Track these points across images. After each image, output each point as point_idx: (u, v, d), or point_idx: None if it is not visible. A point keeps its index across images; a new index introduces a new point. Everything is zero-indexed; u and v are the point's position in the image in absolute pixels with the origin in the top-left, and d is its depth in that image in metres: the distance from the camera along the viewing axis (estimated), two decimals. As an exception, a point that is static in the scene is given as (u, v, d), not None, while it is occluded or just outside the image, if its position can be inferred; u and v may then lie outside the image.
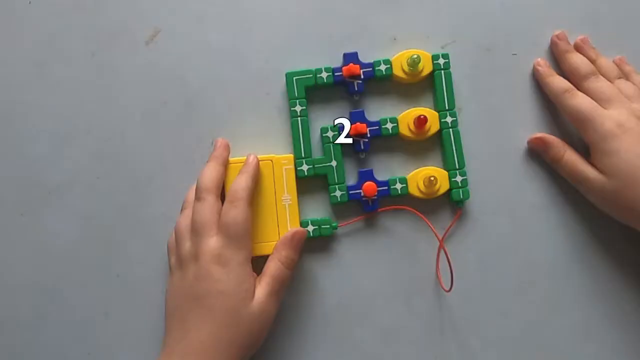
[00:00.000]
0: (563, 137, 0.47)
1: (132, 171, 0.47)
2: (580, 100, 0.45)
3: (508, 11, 0.49)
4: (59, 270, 0.46)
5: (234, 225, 0.41)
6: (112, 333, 0.46)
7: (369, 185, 0.45)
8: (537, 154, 0.47)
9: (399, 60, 0.46)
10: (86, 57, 0.48)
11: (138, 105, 0.48)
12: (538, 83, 0.48)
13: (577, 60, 0.47)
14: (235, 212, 0.41)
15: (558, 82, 0.46)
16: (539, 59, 0.48)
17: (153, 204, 0.47)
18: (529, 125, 0.48)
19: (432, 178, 0.45)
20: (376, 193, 0.45)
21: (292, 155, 0.45)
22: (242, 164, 0.44)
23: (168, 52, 0.48)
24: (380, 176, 0.47)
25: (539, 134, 0.47)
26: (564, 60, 0.47)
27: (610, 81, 0.46)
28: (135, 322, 0.46)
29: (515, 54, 0.48)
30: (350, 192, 0.46)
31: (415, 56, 0.45)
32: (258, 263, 0.43)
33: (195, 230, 0.41)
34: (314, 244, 0.46)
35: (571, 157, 0.45)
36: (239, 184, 0.42)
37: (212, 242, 0.41)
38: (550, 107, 0.48)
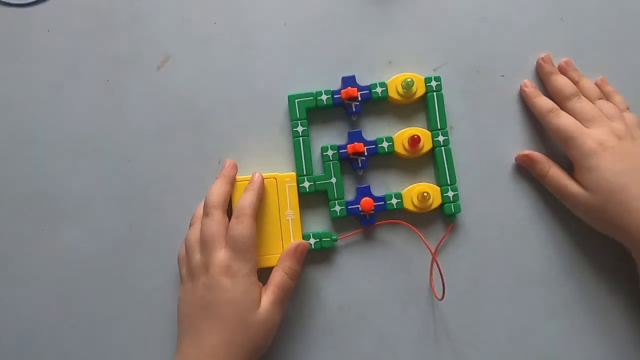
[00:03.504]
0: (548, 154, 0.49)
1: (144, 188, 0.49)
2: (564, 120, 0.47)
3: (496, 35, 0.51)
4: (75, 281, 0.48)
5: (241, 239, 0.43)
6: (127, 339, 0.47)
7: (366, 200, 0.47)
8: (524, 169, 0.49)
9: (394, 83, 0.48)
10: (101, 81, 0.50)
11: (150, 127, 0.49)
12: (525, 103, 0.50)
13: (561, 82, 0.49)
14: (242, 227, 0.43)
15: (543, 102, 0.48)
16: (526, 81, 0.50)
17: (164, 218, 0.48)
18: (517, 143, 0.49)
19: (425, 193, 0.46)
20: (373, 208, 0.47)
21: (294, 173, 0.47)
22: (248, 181, 0.46)
23: (178, 76, 0.50)
24: (377, 192, 0.48)
25: (525, 151, 0.48)
26: (548, 81, 0.49)
27: (592, 101, 0.48)
28: (148, 330, 0.47)
29: (503, 76, 0.50)
30: (349, 207, 0.47)
31: (409, 79, 0.47)
32: (264, 274, 0.44)
33: (205, 244, 0.43)
34: (315, 255, 0.48)
35: (556, 173, 0.47)
36: (245, 200, 0.44)
37: (221, 254, 0.43)
38: (537, 125, 0.49)
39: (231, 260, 0.42)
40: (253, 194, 0.45)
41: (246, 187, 0.46)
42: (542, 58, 0.50)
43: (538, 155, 0.48)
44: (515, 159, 0.49)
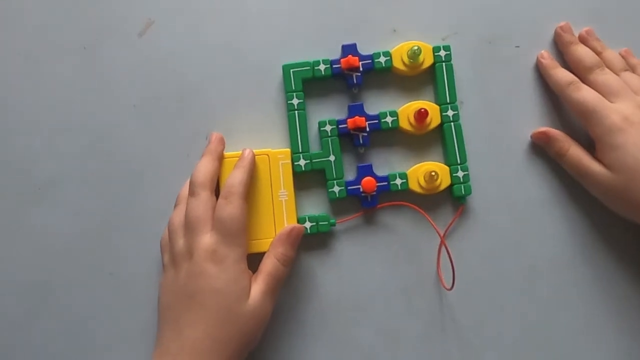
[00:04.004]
0: (567, 131, 0.46)
1: (125, 166, 0.47)
2: (585, 93, 0.44)
3: (511, 2, 0.48)
4: (50, 267, 0.46)
5: (229, 221, 0.40)
6: (105, 331, 0.45)
7: (368, 180, 0.45)
8: (540, 148, 0.47)
9: (399, 52, 0.46)
10: (77, 49, 0.47)
11: (131, 99, 0.47)
12: (542, 76, 0.47)
13: (582, 52, 0.46)
14: (230, 207, 0.40)
15: (562, 75, 0.46)
16: (543, 52, 0.47)
17: (146, 199, 0.46)
18: (532, 119, 0.47)
19: (433, 173, 0.44)
20: (375, 189, 0.45)
21: (289, 150, 0.45)
22: (237, 158, 0.43)
23: (162, 44, 0.47)
24: (380, 171, 0.46)
25: (542, 128, 0.46)
26: (568, 52, 0.46)
27: (615, 74, 0.45)
28: (128, 320, 0.45)
29: (518, 46, 0.48)
30: (349, 187, 0.45)
31: (416, 48, 0.45)
32: (254, 260, 0.42)
33: (189, 227, 0.41)
34: (311, 240, 0.46)
35: (576, 152, 0.45)
36: (234, 178, 0.41)
37: (207, 238, 0.40)
38: (554, 100, 0.47)
39: (218, 244, 0.40)
40: (243, 171, 0.42)
41: (236, 164, 0.43)
42: (561, 27, 0.47)
43: (556, 133, 0.46)
44: (531, 137, 0.47)
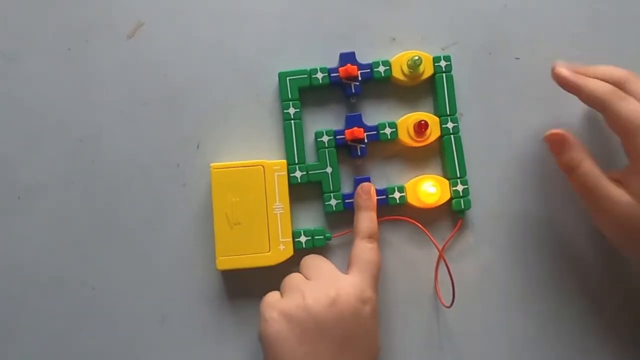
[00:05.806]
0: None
1: (111, 175, 0.45)
2: (633, 105, 0.37)
3: (511, 13, 0.47)
4: (29, 280, 0.44)
5: (377, 267, 0.41)
6: (84, 348, 0.43)
7: None
8: (542, 161, 0.45)
9: (398, 61, 0.45)
10: (62, 51, 0.46)
11: (117, 104, 0.45)
12: (567, 92, 0.41)
13: (604, 70, 0.40)
14: (377, 253, 0.41)
15: (600, 84, 0.39)
16: (559, 63, 0.41)
17: (133, 210, 0.44)
18: (533, 133, 0.46)
19: (432, 187, 0.43)
20: None
21: (284, 161, 0.43)
22: (228, 169, 0.42)
23: (151, 47, 0.46)
24: (378, 184, 0.45)
25: (559, 130, 0.40)
26: (584, 85, 0.39)
27: None
28: (110, 337, 0.43)
29: (518, 58, 0.47)
30: (346, 200, 0.44)
31: (416, 57, 0.43)
32: (251, 275, 0.41)
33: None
34: (306, 255, 0.43)
35: (590, 168, 0.39)
36: (374, 222, 0.42)
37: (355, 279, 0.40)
38: (555, 113, 0.46)
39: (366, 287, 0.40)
40: (374, 214, 0.43)
41: (360, 204, 0.43)
42: (557, 74, 0.41)
43: (573, 140, 0.40)
44: (544, 138, 0.42)
